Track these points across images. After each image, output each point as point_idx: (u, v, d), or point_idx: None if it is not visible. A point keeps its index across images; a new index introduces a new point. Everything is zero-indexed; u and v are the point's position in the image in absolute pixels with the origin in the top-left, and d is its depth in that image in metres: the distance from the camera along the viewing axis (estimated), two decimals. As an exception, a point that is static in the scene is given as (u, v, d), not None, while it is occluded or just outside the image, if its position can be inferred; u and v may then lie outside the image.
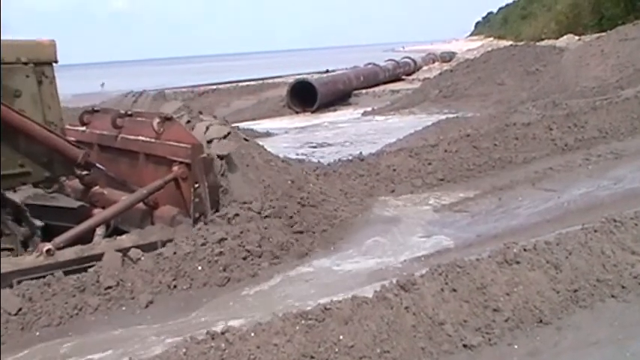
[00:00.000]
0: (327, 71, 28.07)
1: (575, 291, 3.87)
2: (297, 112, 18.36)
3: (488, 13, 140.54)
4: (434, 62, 35.95)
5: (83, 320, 4.26)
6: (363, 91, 22.56)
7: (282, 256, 5.14)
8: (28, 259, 4.64)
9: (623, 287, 3.92)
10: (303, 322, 3.45)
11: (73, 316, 4.27)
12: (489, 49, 25.88)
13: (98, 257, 4.74)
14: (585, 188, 6.60)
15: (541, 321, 3.65)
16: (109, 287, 4.48)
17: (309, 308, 3.63)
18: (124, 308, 4.41)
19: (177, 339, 3.75)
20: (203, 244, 4.92)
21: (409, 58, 32.74)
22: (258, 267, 4.95)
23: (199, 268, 4.78)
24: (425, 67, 32.83)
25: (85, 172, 5.80)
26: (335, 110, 18.76)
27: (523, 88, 15.84)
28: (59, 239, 4.83)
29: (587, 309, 3.77)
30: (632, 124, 8.93)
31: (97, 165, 5.87)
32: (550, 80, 15.46)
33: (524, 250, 4.15)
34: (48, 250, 4.63)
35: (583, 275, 3.99)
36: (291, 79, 22.32)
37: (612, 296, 3.87)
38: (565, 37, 33.18)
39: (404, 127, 12.18)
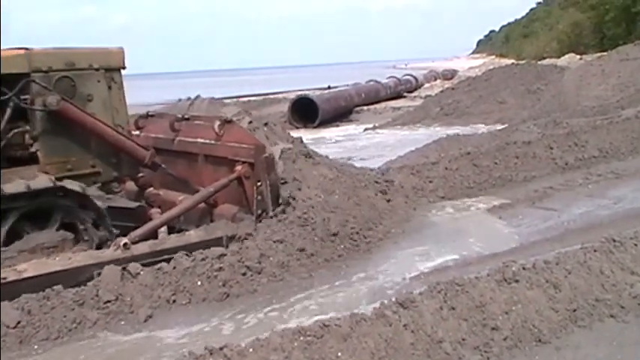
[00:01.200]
0: (329, 87, 28.20)
1: (574, 310, 3.87)
2: (297, 128, 18.38)
3: (491, 32, 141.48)
4: (436, 80, 36.07)
5: (82, 334, 4.25)
6: (365, 107, 22.69)
7: (282, 274, 5.10)
8: (107, 253, 4.88)
9: (622, 307, 3.92)
10: (301, 338, 3.45)
11: (72, 329, 4.25)
12: (491, 67, 26.09)
13: (169, 251, 5.00)
14: (585, 207, 6.60)
15: (540, 340, 3.64)
16: (108, 301, 4.47)
17: (307, 325, 3.62)
18: (122, 322, 4.39)
19: (175, 354, 3.75)
20: (203, 259, 4.92)
21: (411, 75, 32.86)
22: (258, 283, 4.94)
23: (198, 283, 4.77)
24: (427, 85, 32.95)
25: (140, 174, 6.07)
26: (337, 126, 18.82)
27: (524, 107, 15.91)
28: (134, 234, 5.10)
29: (586, 329, 3.77)
30: (633, 143, 8.96)
31: (163, 166, 6.03)
32: (551, 99, 15.53)
33: (524, 268, 4.15)
34: (125, 244, 4.88)
35: (582, 295, 3.99)
36: (292, 95, 22.41)
37: (611, 316, 3.87)
38: (566, 56, 33.43)
39: (406, 144, 12.19)
